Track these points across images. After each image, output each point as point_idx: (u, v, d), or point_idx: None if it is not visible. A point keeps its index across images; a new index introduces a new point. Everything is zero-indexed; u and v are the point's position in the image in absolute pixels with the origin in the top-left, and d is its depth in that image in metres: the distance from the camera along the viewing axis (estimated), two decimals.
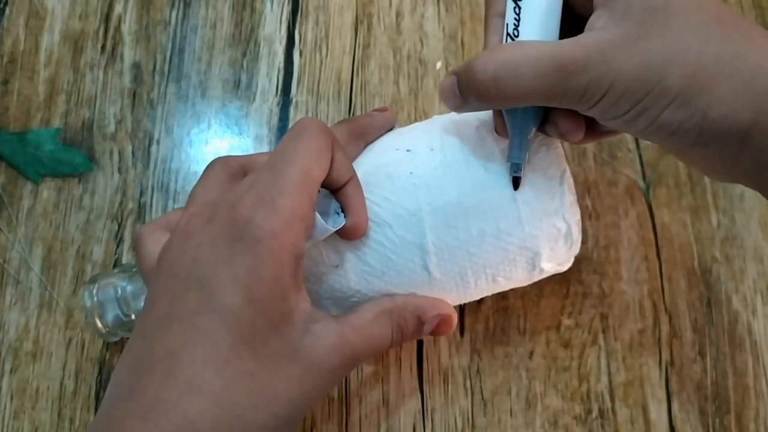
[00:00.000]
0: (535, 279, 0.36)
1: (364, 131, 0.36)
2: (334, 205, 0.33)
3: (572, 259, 0.36)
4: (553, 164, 0.33)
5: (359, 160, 0.36)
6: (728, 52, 0.27)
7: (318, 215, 0.30)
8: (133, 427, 0.26)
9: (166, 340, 0.28)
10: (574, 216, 0.34)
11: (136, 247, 0.33)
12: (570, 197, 0.33)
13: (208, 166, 0.34)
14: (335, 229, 0.31)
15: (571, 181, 0.34)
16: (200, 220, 0.30)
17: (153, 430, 0.26)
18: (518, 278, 0.35)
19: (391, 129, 0.38)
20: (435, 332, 0.34)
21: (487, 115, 0.35)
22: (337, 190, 0.32)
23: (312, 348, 0.29)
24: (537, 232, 0.33)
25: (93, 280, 0.39)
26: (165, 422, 0.26)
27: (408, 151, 0.34)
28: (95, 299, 0.38)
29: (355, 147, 0.36)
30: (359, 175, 0.33)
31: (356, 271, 0.33)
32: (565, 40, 0.28)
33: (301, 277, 0.30)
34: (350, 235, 0.32)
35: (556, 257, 0.35)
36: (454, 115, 0.37)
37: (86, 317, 0.38)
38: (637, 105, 0.28)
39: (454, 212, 0.33)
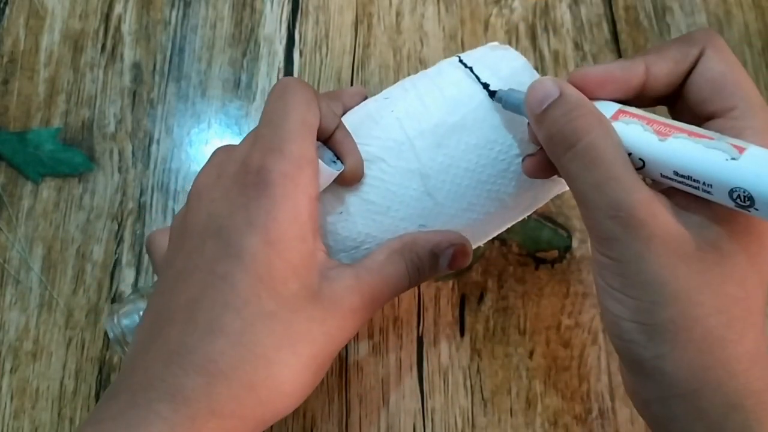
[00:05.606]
0: (539, 191, 0.35)
1: (339, 96, 0.37)
2: (329, 154, 0.33)
3: None
4: (523, 72, 0.34)
5: (342, 120, 0.36)
6: (720, 324, 0.26)
7: (320, 161, 0.31)
8: (155, 373, 0.26)
9: (186, 291, 0.28)
10: None
11: (147, 247, 0.34)
12: None
13: (212, 155, 0.34)
14: (338, 173, 0.32)
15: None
16: (209, 179, 0.30)
17: (176, 372, 0.26)
18: (521, 195, 0.35)
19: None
20: (452, 265, 0.34)
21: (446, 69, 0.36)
22: (327, 139, 0.33)
23: (330, 290, 0.29)
24: (522, 135, 0.34)
25: (111, 312, 0.39)
26: (187, 364, 0.26)
27: (385, 98, 0.35)
28: (120, 329, 0.38)
29: (335, 106, 0.36)
30: None
31: (361, 213, 0.34)
32: (642, 183, 0.27)
33: (317, 224, 0.30)
34: (350, 178, 0.33)
35: None
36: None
37: (115, 348, 0.38)
38: (624, 289, 0.27)
39: (439, 131, 0.33)
